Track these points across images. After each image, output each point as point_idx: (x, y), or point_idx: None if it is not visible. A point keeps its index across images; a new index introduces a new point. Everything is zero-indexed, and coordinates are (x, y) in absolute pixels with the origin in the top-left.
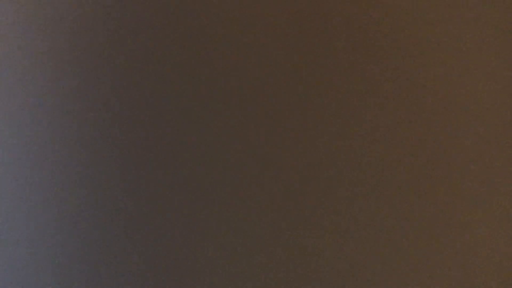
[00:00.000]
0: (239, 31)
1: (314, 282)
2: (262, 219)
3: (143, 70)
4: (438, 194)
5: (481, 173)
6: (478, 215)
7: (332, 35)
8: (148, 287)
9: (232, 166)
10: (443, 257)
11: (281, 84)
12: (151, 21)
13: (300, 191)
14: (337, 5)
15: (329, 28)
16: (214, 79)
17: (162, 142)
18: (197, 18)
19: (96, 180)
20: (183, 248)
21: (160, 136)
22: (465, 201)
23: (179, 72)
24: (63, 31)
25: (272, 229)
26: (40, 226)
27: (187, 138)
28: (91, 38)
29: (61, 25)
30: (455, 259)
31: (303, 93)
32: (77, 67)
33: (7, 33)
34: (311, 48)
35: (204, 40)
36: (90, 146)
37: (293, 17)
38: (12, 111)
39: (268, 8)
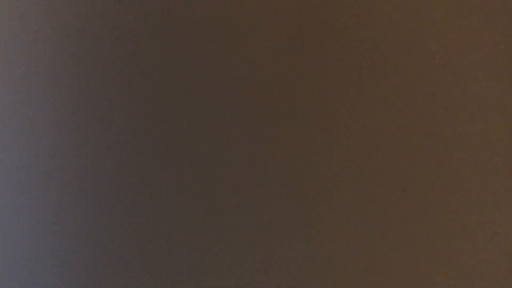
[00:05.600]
0: (240, 31)
1: (314, 282)
2: (263, 220)
3: (144, 70)
4: (438, 194)
5: (481, 173)
6: (478, 215)
7: (333, 35)
8: (148, 287)
9: (232, 166)
10: (443, 257)
11: (281, 85)
12: (151, 21)
13: (301, 192)
14: (338, 5)
15: (329, 28)
16: (214, 80)
17: (162, 142)
18: (197, 18)
19: (96, 180)
20: (184, 249)
21: (160, 137)
22: (465, 202)
23: (180, 73)
24: (64, 31)
25: (273, 229)
26: (39, 227)
27: (187, 138)
28: (92, 38)
29: (61, 25)
30: (454, 259)
31: (302, 93)
32: (77, 68)
33: (7, 33)
34: (311, 48)
35: (204, 41)
36: (90, 146)
37: (293, 17)
38: (12, 112)
39: (268, 8)
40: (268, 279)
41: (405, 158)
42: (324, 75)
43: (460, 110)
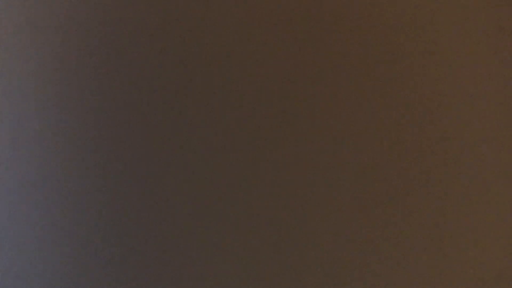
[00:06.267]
0: (239, 31)
1: (313, 282)
2: (262, 220)
3: (145, 71)
4: (437, 194)
5: (481, 173)
6: (478, 215)
7: (331, 35)
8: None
9: (231, 167)
10: (442, 257)
11: (279, 85)
12: (150, 21)
13: (300, 192)
14: (337, 5)
15: (328, 28)
16: (214, 80)
17: (162, 143)
18: (196, 18)
19: (95, 181)
20: (184, 249)
21: (160, 137)
22: (465, 202)
23: (179, 73)
24: (63, 31)
25: (272, 230)
26: (39, 228)
27: (187, 139)
28: (91, 39)
29: (62, 25)
30: (454, 259)
31: (301, 94)
32: (77, 68)
33: (7, 33)
34: (310, 48)
35: (204, 41)
36: (90, 147)
37: (292, 17)
38: (12, 112)
39: (267, 8)
40: (267, 280)
41: (404, 158)
42: (323, 75)
43: (460, 110)
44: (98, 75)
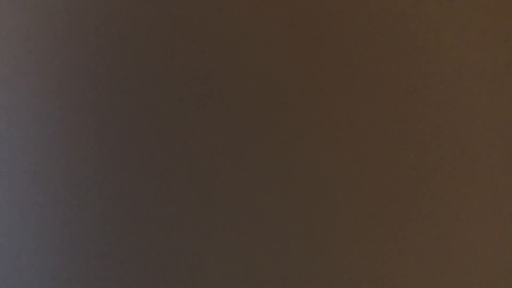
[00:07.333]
0: (237, 31)
1: (313, 283)
2: (262, 220)
3: (145, 70)
4: (437, 195)
5: (481, 173)
6: (478, 216)
7: (330, 34)
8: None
9: (231, 167)
10: (442, 258)
11: (277, 84)
12: (150, 21)
13: (299, 192)
14: (336, 5)
15: (327, 28)
16: (214, 80)
17: (162, 143)
18: (196, 18)
19: (95, 181)
20: (184, 249)
21: (160, 137)
22: (465, 202)
23: (179, 73)
24: (63, 31)
25: (272, 231)
26: (38, 227)
27: (188, 139)
28: (91, 38)
29: (61, 25)
30: (454, 260)
31: (300, 93)
32: (77, 68)
33: (8, 33)
34: (309, 48)
35: (203, 41)
36: (90, 146)
37: (291, 17)
38: (12, 111)
39: (267, 8)
40: (267, 280)
41: (404, 158)
42: (322, 75)
43: (460, 110)
44: (98, 75)
